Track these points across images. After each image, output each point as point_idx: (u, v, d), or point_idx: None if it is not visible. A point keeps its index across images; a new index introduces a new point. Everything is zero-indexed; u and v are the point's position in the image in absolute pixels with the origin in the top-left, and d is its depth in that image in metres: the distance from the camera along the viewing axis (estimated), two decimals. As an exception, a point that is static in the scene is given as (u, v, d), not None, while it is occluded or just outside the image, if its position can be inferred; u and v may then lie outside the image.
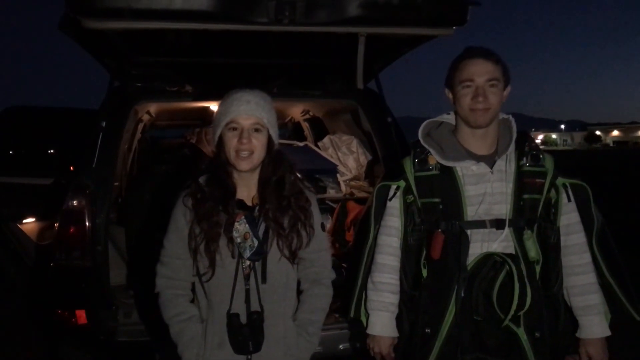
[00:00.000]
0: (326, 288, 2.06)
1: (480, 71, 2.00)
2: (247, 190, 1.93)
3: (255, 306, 1.87)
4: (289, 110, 5.45)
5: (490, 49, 2.06)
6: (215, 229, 1.84)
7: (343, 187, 4.19)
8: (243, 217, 1.87)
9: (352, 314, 2.29)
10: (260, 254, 1.87)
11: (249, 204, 1.92)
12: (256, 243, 1.85)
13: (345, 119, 4.41)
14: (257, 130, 1.86)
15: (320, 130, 5.06)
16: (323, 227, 2.05)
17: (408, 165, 2.15)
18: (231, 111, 1.84)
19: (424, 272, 2.13)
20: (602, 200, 2.30)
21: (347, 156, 4.35)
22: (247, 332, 1.85)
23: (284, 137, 5.66)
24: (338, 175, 4.24)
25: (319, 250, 2.02)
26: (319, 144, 4.62)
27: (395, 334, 2.20)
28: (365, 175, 4.30)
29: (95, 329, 3.04)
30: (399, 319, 2.20)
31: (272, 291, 1.90)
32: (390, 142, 3.57)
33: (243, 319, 1.86)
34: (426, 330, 2.10)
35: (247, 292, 1.87)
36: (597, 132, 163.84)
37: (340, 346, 3.04)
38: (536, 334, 2.04)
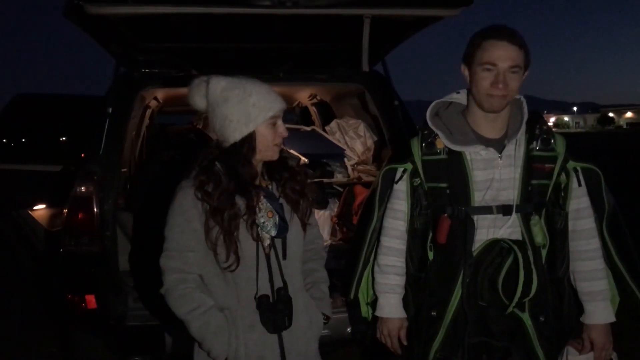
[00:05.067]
0: (324, 259, 2.16)
1: (504, 56, 1.92)
2: None
3: (278, 283, 1.88)
4: (296, 95, 5.44)
5: (515, 31, 1.96)
6: (235, 219, 1.81)
7: (350, 171, 4.19)
8: (263, 197, 1.88)
9: (351, 295, 2.30)
10: (286, 230, 1.89)
11: (258, 182, 1.93)
12: (280, 220, 1.88)
13: (352, 103, 4.40)
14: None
15: (327, 114, 5.04)
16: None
17: (415, 147, 2.12)
18: (273, 106, 1.85)
19: (430, 255, 2.12)
20: (614, 184, 2.27)
21: (355, 140, 4.34)
22: (281, 308, 1.86)
23: (292, 122, 5.66)
24: (345, 160, 4.24)
25: (313, 220, 2.09)
26: (326, 128, 4.61)
27: (403, 314, 2.20)
28: (373, 159, 4.29)
29: (104, 313, 3.07)
30: (405, 301, 2.20)
31: (292, 265, 1.93)
32: (397, 125, 3.56)
33: (270, 297, 1.87)
34: (432, 313, 2.10)
35: (270, 270, 1.87)
36: (610, 114, 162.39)
37: (348, 329, 3.06)
38: (541, 318, 2.04)
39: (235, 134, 1.83)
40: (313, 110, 5.40)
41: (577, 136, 55.78)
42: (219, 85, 1.84)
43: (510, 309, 1.97)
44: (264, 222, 1.86)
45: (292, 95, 5.41)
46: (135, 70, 3.59)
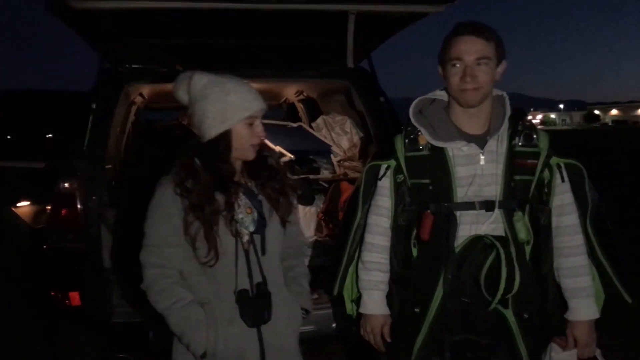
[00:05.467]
0: (304, 256, 2.21)
1: (469, 49, 1.94)
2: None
3: (257, 278, 1.90)
4: (283, 92, 5.43)
5: (482, 24, 1.98)
6: (215, 215, 1.83)
7: (336, 168, 4.19)
8: (242, 193, 1.91)
9: (335, 292, 2.30)
10: (264, 226, 1.92)
11: (237, 180, 1.95)
12: (258, 216, 1.91)
13: (338, 100, 4.40)
14: None
15: (314, 111, 5.04)
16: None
17: (399, 144, 2.12)
18: (251, 106, 1.87)
19: (414, 252, 2.11)
20: (601, 181, 2.28)
21: (341, 137, 4.35)
22: (260, 303, 1.89)
23: (279, 119, 5.65)
24: (332, 156, 4.24)
25: (294, 217, 2.12)
26: (313, 124, 4.61)
27: (386, 311, 2.20)
28: (359, 155, 4.29)
29: (89, 310, 3.06)
30: (389, 298, 2.21)
31: (271, 261, 1.96)
32: (383, 122, 3.56)
33: (250, 292, 1.89)
34: (415, 310, 2.10)
35: (249, 265, 1.89)
36: (596, 112, 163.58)
37: (334, 325, 3.06)
38: (524, 315, 2.04)
39: (211, 130, 1.86)
40: (300, 106, 5.39)
41: (564, 133, 56.14)
42: (201, 81, 1.87)
43: (492, 306, 1.97)
44: (242, 218, 1.88)
45: (279, 91, 5.41)
46: (120, 66, 3.56)
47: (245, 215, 1.89)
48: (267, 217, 1.94)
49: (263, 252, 1.92)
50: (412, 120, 2.10)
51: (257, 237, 1.92)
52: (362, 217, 2.22)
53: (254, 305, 1.88)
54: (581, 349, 2.06)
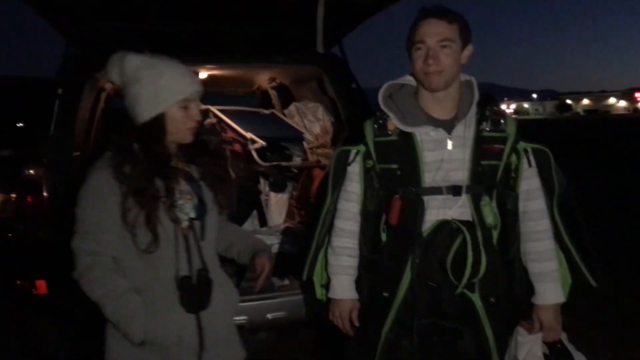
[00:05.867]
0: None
1: (431, 31, 1.94)
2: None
3: (197, 264, 1.88)
4: (256, 78, 5.38)
5: (445, 7, 1.98)
6: (155, 201, 1.79)
7: (309, 155, 4.18)
8: (181, 178, 1.88)
9: (305, 277, 2.30)
10: (205, 212, 1.90)
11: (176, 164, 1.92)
12: (199, 202, 1.88)
13: (311, 86, 4.38)
14: None
15: (287, 98, 5.00)
16: None
17: (368, 129, 2.12)
18: (185, 89, 1.84)
19: (383, 237, 2.12)
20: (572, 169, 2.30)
21: (313, 123, 4.33)
22: (202, 289, 1.87)
23: (252, 106, 5.60)
24: (304, 143, 4.22)
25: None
26: (285, 111, 4.59)
27: (354, 296, 2.21)
28: (331, 142, 4.28)
29: (56, 299, 3.01)
30: (358, 283, 2.21)
31: (209, 246, 1.94)
32: (354, 108, 3.56)
33: (192, 278, 1.87)
34: (384, 294, 2.11)
35: (189, 250, 1.87)
36: (568, 101, 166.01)
37: (304, 311, 3.06)
38: (491, 299, 2.06)
39: (144, 114, 1.82)
40: (273, 93, 5.35)
41: (537, 123, 56.81)
42: (133, 63, 1.83)
43: (459, 290, 1.99)
44: (182, 204, 1.85)
45: (251, 78, 5.36)
46: (87, 51, 3.49)
47: (185, 201, 1.85)
48: (207, 203, 1.92)
49: (202, 238, 1.90)
50: (381, 105, 2.10)
51: (196, 223, 1.89)
52: (332, 202, 2.21)
53: (196, 292, 1.86)
54: (546, 333, 2.09)
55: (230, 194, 2.03)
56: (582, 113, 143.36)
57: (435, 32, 1.94)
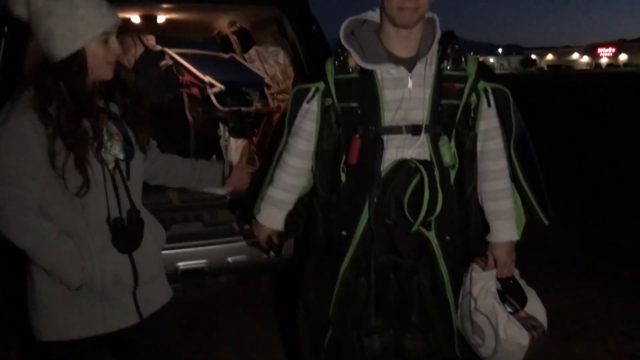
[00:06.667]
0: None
1: None
2: None
3: (125, 204, 1.84)
4: (216, 23, 5.22)
5: None
6: (84, 142, 1.71)
7: (270, 100, 4.10)
8: (108, 119, 1.81)
9: (255, 212, 2.29)
10: (133, 153, 1.85)
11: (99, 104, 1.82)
12: (126, 142, 1.83)
13: (271, 30, 4.26)
14: None
15: (248, 42, 4.88)
16: None
17: (329, 66, 2.07)
18: (104, 21, 1.72)
19: (343, 177, 2.11)
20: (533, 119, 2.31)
21: (274, 68, 4.22)
22: (134, 229, 1.86)
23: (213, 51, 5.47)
24: (265, 88, 4.14)
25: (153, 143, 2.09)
26: (245, 56, 4.47)
27: (278, 227, 2.27)
28: (292, 87, 4.21)
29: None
30: (313, 220, 2.21)
31: (135, 185, 1.90)
32: (315, 52, 3.48)
33: (123, 219, 1.84)
34: (342, 233, 2.11)
35: (117, 191, 1.82)
36: (533, 56, 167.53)
37: (265, 256, 3.06)
38: (446, 237, 2.08)
39: (61, 50, 1.68)
40: (234, 38, 5.20)
41: (503, 78, 57.20)
42: None
43: (414, 227, 2.00)
44: (111, 146, 1.78)
45: (211, 23, 5.20)
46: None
47: (114, 142, 1.79)
48: (133, 143, 1.87)
49: (128, 177, 1.85)
50: (342, 41, 2.04)
51: (121, 164, 1.84)
52: (287, 140, 2.18)
53: (128, 233, 1.84)
54: (500, 269, 2.11)
55: (149, 134, 1.97)
56: (545, 68, 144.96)
57: None
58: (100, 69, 1.76)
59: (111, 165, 1.81)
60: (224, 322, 3.59)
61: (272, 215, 2.26)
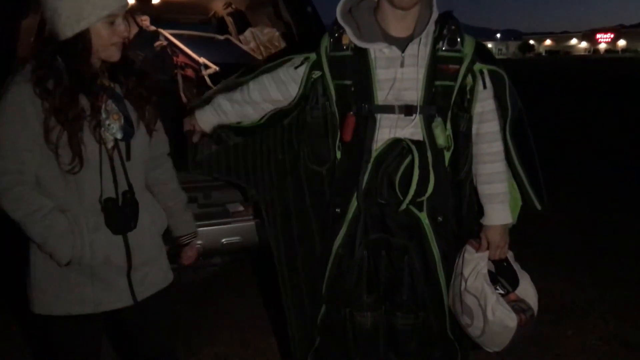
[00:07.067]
0: (169, 160, 2.13)
1: None
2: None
3: (123, 185, 1.82)
4: (211, 4, 5.19)
5: None
6: (79, 120, 1.70)
7: (265, 83, 4.09)
8: (108, 98, 1.79)
9: (198, 106, 2.37)
10: (132, 134, 1.82)
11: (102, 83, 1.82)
12: (125, 122, 1.80)
13: (267, 11, 4.24)
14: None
15: (243, 24, 4.85)
16: None
17: (325, 42, 2.07)
18: (110, 4, 1.70)
19: (338, 154, 2.12)
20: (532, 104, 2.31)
21: (270, 50, 4.22)
22: (127, 211, 1.83)
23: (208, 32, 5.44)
24: (260, 70, 4.12)
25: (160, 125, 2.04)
26: (241, 37, 4.45)
27: (204, 127, 2.31)
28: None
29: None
30: (300, 198, 2.24)
31: (136, 168, 1.87)
32: (309, 33, 3.46)
33: (117, 200, 1.82)
34: (336, 210, 2.13)
35: (114, 171, 1.80)
36: (531, 42, 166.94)
37: (257, 238, 3.07)
38: (439, 218, 2.09)
39: (65, 30, 1.68)
40: (229, 20, 5.18)
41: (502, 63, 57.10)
42: None
43: (403, 206, 2.00)
44: (109, 125, 1.76)
45: (206, 5, 5.17)
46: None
47: (112, 121, 1.77)
48: (134, 123, 1.84)
49: (128, 158, 1.83)
50: (338, 18, 2.03)
51: (121, 144, 1.82)
52: (253, 78, 2.25)
53: (121, 214, 1.82)
54: (493, 251, 2.12)
55: (156, 117, 1.95)
56: (544, 54, 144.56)
57: None
58: (105, 50, 1.75)
59: (110, 145, 1.79)
60: (220, 306, 3.59)
61: (206, 114, 2.30)
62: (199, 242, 2.96)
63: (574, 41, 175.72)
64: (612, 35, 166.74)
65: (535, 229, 4.26)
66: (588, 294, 3.74)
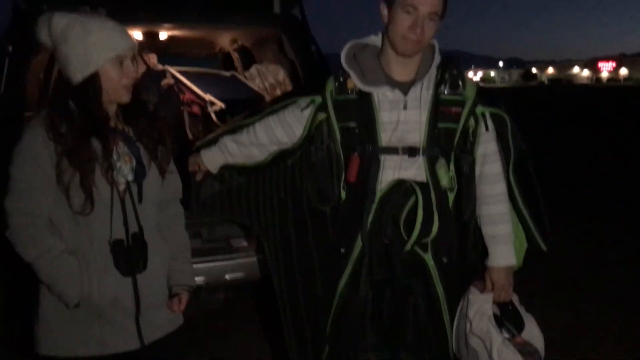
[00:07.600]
0: (180, 206, 2.14)
1: (426, 1, 1.89)
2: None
3: (133, 227, 1.84)
4: (217, 40, 5.28)
5: None
6: (91, 162, 1.74)
7: (270, 118, 4.14)
8: (120, 140, 1.83)
9: (203, 145, 2.43)
10: (144, 175, 1.85)
11: (114, 126, 1.87)
12: (137, 165, 1.84)
13: (272, 49, 4.32)
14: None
15: (249, 60, 4.93)
16: None
17: (330, 85, 2.13)
18: (116, 45, 1.77)
19: (343, 195, 2.15)
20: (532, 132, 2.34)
21: (274, 87, 4.28)
22: (135, 253, 1.84)
23: (215, 69, 5.51)
24: (265, 106, 4.17)
25: (173, 166, 2.06)
26: (246, 74, 4.52)
27: (209, 167, 2.37)
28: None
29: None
30: (302, 236, 2.28)
31: (147, 209, 1.90)
32: (314, 71, 3.52)
33: (125, 241, 1.83)
34: (341, 250, 2.16)
35: (125, 213, 1.83)
36: (534, 70, 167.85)
37: (260, 272, 3.08)
38: (443, 259, 2.10)
39: (76, 74, 1.75)
40: (235, 56, 5.27)
41: (503, 91, 57.58)
42: (61, 23, 1.75)
43: (407, 247, 2.02)
44: (121, 167, 1.81)
45: (213, 40, 5.26)
46: (39, 7, 3.35)
47: (124, 163, 1.81)
48: (145, 165, 1.88)
49: (140, 200, 1.86)
50: (343, 63, 2.09)
51: (133, 185, 1.85)
52: (259, 120, 2.30)
53: (129, 256, 1.83)
54: (497, 293, 2.12)
55: (168, 158, 1.98)
56: (546, 82, 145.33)
57: (430, 2, 1.89)
58: (116, 92, 1.80)
59: (122, 187, 1.82)
60: (224, 338, 3.58)
61: (213, 155, 2.36)
62: (202, 278, 3.00)
63: (576, 69, 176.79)
64: (614, 64, 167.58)
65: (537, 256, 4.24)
66: (593, 326, 3.72)
